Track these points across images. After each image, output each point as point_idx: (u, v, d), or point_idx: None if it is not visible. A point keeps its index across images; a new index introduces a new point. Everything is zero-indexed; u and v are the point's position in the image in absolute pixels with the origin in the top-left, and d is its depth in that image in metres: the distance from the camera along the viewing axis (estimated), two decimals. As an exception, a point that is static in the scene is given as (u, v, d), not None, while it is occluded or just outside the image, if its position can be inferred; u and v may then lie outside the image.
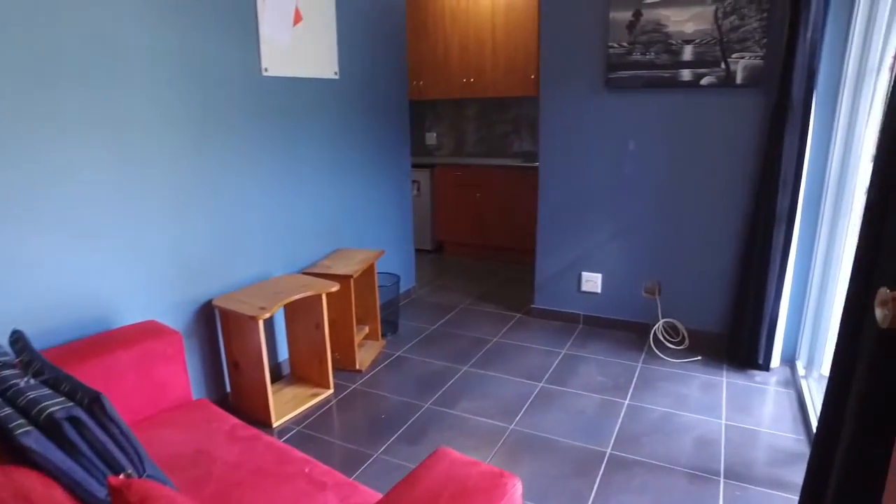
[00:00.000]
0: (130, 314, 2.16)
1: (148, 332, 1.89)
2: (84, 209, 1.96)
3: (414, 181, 5.21)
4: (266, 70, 2.63)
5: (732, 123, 2.85)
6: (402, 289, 4.01)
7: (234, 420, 1.78)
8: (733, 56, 2.75)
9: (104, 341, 1.80)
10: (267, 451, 1.59)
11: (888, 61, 2.21)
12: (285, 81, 2.76)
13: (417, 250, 5.37)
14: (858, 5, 2.38)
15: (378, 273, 3.48)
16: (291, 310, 2.73)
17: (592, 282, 3.38)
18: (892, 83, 1.86)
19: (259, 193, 2.69)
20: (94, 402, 1.02)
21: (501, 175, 4.78)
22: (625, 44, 2.96)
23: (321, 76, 2.98)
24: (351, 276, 2.79)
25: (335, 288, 2.59)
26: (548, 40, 3.20)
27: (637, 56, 2.95)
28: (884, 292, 0.86)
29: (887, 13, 2.22)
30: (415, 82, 5.27)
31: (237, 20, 2.47)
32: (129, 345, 1.79)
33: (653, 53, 2.91)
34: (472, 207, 4.99)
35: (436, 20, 5.06)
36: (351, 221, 3.36)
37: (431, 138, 5.68)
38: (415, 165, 5.12)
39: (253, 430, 1.72)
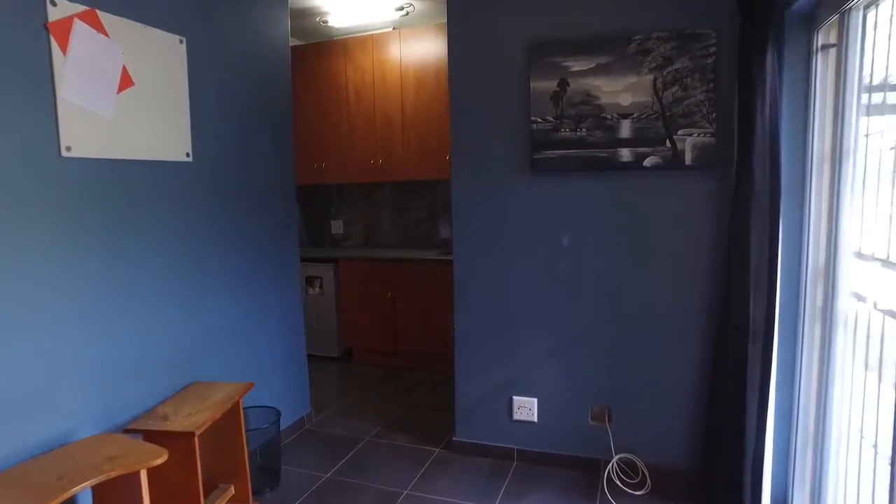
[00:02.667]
0: None
1: None
2: None
3: (315, 278, 4.46)
4: (69, 149, 1.88)
5: (686, 212, 2.34)
6: (293, 418, 3.16)
7: None
8: (679, 132, 2.27)
9: None
10: None
11: (873, 138, 1.75)
12: (103, 165, 2.01)
13: (322, 358, 4.54)
14: (816, 73, 1.97)
15: (252, 409, 2.64)
16: (100, 494, 1.85)
17: (527, 408, 2.69)
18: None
19: (64, 318, 1.87)
20: None
21: (417, 270, 4.13)
22: (550, 118, 2.45)
23: (164, 158, 2.26)
24: (193, 434, 1.95)
25: (160, 460, 1.75)
26: (459, 113, 2.65)
27: (566, 133, 2.43)
28: None
29: (857, 82, 1.79)
30: (316, 165, 4.63)
31: (20, 79, 1.73)
32: None
33: (584, 130, 2.40)
34: (383, 307, 4.27)
35: (338, 97, 4.52)
36: (214, 344, 2.54)
37: (338, 227, 5.00)
38: (317, 259, 4.39)
39: None
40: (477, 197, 2.66)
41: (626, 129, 2.34)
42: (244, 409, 2.58)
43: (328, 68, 4.53)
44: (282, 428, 3.04)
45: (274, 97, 2.95)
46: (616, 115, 2.35)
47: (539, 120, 2.46)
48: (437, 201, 4.62)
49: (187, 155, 2.37)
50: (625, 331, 2.49)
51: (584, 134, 2.40)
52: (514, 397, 2.71)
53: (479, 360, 2.76)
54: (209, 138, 2.49)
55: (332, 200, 4.99)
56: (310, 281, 4.48)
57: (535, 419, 2.68)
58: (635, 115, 2.32)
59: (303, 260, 4.51)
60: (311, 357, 4.54)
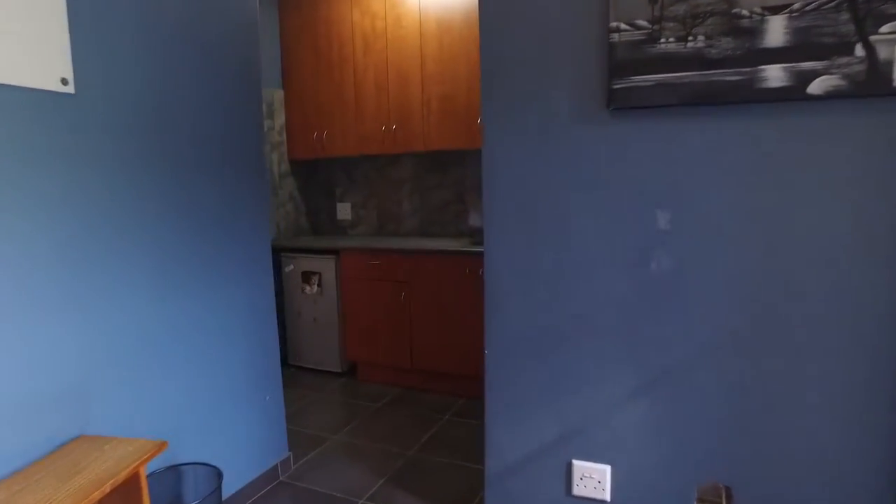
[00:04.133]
0: None
1: None
2: None
3: (313, 273, 3.60)
4: None
5: (888, 175, 1.36)
6: (261, 468, 2.30)
7: None
8: (883, 30, 1.30)
9: None
10: None
11: None
12: None
13: (321, 374, 3.68)
14: None
15: (188, 466, 1.79)
16: None
17: (594, 480, 1.76)
18: None
19: None
20: None
21: (439, 264, 3.22)
22: (643, 22, 1.50)
23: (13, 82, 1.40)
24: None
25: None
26: (492, 30, 1.72)
27: (669, 44, 1.48)
28: None
29: None
30: (315, 135, 3.76)
31: None
32: None
33: (701, 38, 1.45)
34: (396, 313, 3.38)
35: (342, 49, 3.63)
36: (127, 368, 1.69)
37: (345, 211, 4.12)
38: (314, 250, 3.53)
39: None
40: (518, 158, 1.74)
41: (776, 33, 1.38)
42: (176, 467, 1.74)
43: (329, 13, 3.65)
44: (243, 484, 2.19)
45: (234, 35, 2.07)
46: (759, 10, 1.39)
47: (624, 27, 1.52)
48: (466, 178, 3.69)
49: (64, 83, 1.50)
50: (758, 365, 1.53)
51: (700, 45, 1.45)
52: (575, 462, 1.78)
53: (520, 400, 1.84)
54: (110, 64, 1.62)
55: (338, 179, 4.12)
56: (306, 277, 3.63)
57: (608, 497, 1.75)
58: (796, 4, 1.36)
59: (297, 251, 3.67)
60: (308, 372, 3.74)
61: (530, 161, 1.71)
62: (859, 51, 1.32)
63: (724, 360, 1.56)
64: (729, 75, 1.43)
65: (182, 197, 1.86)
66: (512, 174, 1.75)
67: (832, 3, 1.33)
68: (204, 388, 1.99)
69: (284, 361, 3.84)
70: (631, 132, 1.58)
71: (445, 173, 3.75)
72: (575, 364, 1.73)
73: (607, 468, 1.74)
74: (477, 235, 3.66)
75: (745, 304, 1.51)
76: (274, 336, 2.36)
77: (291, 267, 3.66)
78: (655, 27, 1.49)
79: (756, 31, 1.40)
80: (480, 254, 3.07)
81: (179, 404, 1.89)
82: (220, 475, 1.79)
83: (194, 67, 1.90)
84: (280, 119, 3.82)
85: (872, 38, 1.30)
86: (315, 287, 3.60)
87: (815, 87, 1.36)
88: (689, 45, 1.46)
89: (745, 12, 1.40)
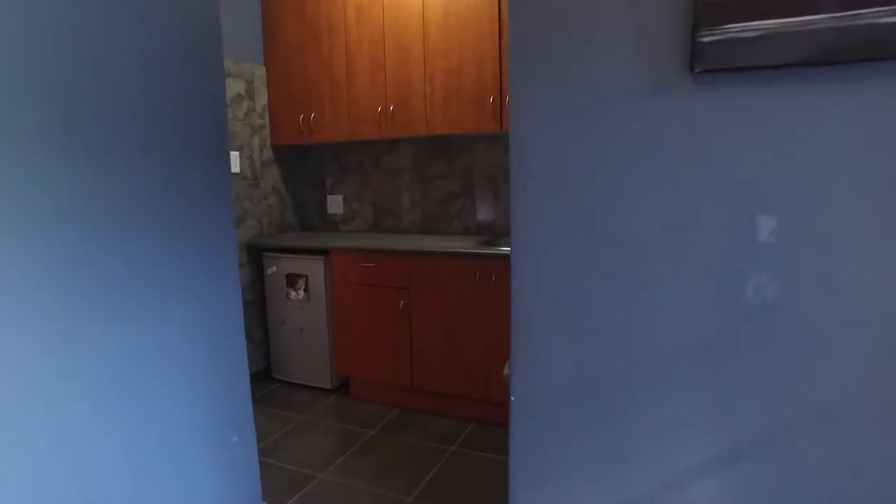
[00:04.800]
0: None
1: None
2: None
3: (298, 276, 3.14)
4: None
5: None
6: (227, 528, 1.86)
7: None
8: None
9: None
10: None
11: None
12: None
13: (308, 390, 3.24)
14: None
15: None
16: None
17: (658, 576, 1.31)
18: None
19: None
20: None
21: (444, 267, 2.77)
22: (748, -56, 1.03)
23: None
24: None
25: None
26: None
27: (788, -24, 1.01)
28: None
29: None
30: (302, 117, 3.29)
31: None
32: None
33: (839, -36, 0.98)
34: (395, 323, 2.93)
35: (332, 21, 3.14)
36: (19, 433, 1.23)
37: (336, 204, 3.66)
38: (300, 250, 3.08)
39: None
40: (558, 146, 1.27)
41: (961, -48, 0.91)
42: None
43: (318, -24, 3.17)
44: (199, 555, 1.74)
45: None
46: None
47: (716, -48, 1.05)
48: (475, 166, 3.23)
49: None
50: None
51: (835, -25, 0.98)
52: (631, 551, 1.33)
53: (556, 467, 1.39)
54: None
55: (328, 168, 3.65)
56: (292, 281, 3.17)
57: None
58: None
59: (281, 251, 3.21)
60: (293, 388, 3.28)
61: (576, 150, 1.25)
62: None
63: (850, 431, 1.11)
64: (885, 16, 0.96)
65: (101, 192, 1.39)
66: (550, 168, 1.28)
67: None
68: (149, 440, 1.54)
69: (267, 375, 3.40)
70: (723, 107, 1.11)
71: (451, 161, 3.28)
72: (633, 424, 1.28)
73: (676, 563, 1.29)
74: (486, 232, 3.21)
75: (887, 353, 1.06)
76: (242, 364, 1.90)
77: (274, 269, 3.21)
78: (766, -49, 1.02)
79: (928, -49, 0.93)
80: (494, 256, 2.62)
81: (110, 466, 1.44)
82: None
83: (121, 22, 1.43)
84: (261, 99, 3.34)
85: None
86: (301, 292, 3.15)
87: None
88: (819, -25, 0.99)
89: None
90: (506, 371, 2.35)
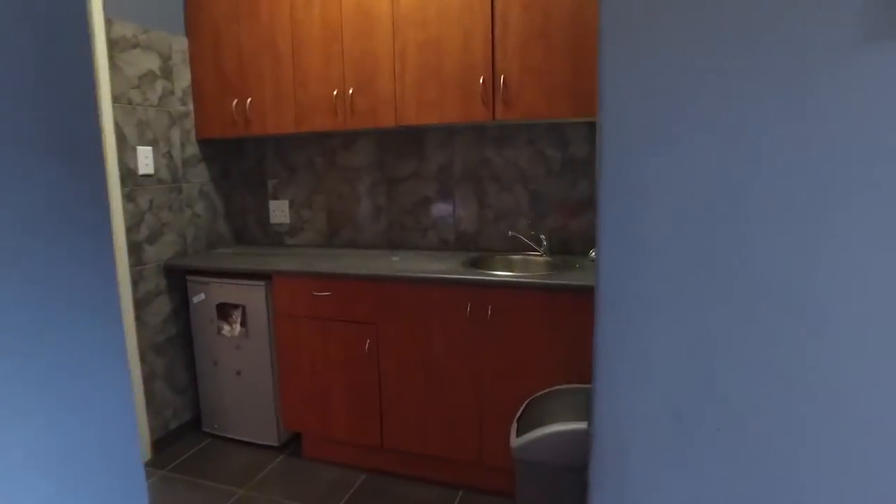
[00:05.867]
0: None
1: None
2: None
3: (233, 307, 2.46)
4: None
5: None
6: None
7: None
8: None
9: None
10: None
11: None
12: None
13: (248, 448, 2.56)
14: None
15: None
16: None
17: None
18: None
19: None
20: None
21: (422, 298, 2.14)
22: None
23: None
24: None
25: None
26: None
27: None
28: None
29: None
30: (235, 103, 2.60)
31: None
32: None
33: None
34: (360, 367, 2.29)
35: (273, -24, 2.47)
36: None
37: (281, 212, 2.98)
38: (232, 273, 2.40)
39: None
40: (699, 135, 0.67)
41: None
42: None
43: (254, -78, 2.48)
44: None
45: None
46: None
47: None
48: (456, 164, 2.62)
49: None
50: None
51: None
52: None
53: None
54: None
55: (270, 167, 2.96)
56: (225, 312, 2.49)
57: None
58: None
59: (210, 274, 2.53)
60: (232, 446, 2.48)
61: (733, 151, 0.66)
62: None
63: None
64: None
65: None
66: (679, 179, 0.69)
67: None
68: None
69: (196, 428, 2.70)
70: None
71: (425, 158, 2.66)
72: None
73: None
74: (471, 246, 2.61)
75: None
76: (138, 474, 1.23)
77: (202, 297, 2.52)
78: None
79: None
80: (491, 284, 2.02)
81: None
82: None
83: None
84: (183, 79, 2.63)
85: None
86: (237, 326, 2.47)
87: None
88: None
89: None
90: (516, 441, 1.74)
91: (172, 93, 2.55)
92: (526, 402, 1.97)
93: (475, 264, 2.32)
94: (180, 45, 2.60)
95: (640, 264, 0.72)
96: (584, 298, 1.92)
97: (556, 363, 1.99)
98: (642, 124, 0.69)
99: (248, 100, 2.56)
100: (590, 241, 2.43)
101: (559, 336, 1.97)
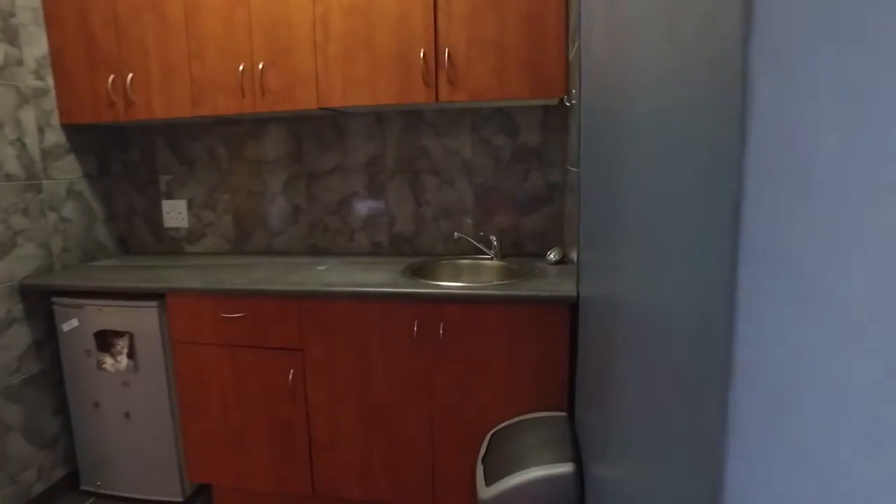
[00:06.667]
0: None
1: None
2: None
3: (117, 335, 1.97)
4: None
5: None
6: None
7: None
8: None
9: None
10: None
11: None
12: None
13: (143, 507, 2.08)
14: None
15: None
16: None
17: None
18: None
19: None
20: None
21: (356, 316, 1.77)
22: None
23: None
24: None
25: None
26: None
27: None
28: None
29: None
30: (112, 80, 2.08)
31: None
32: None
33: None
34: (283, 402, 1.88)
35: (156, -79, 1.98)
36: None
37: (177, 214, 2.48)
38: (124, 294, 1.92)
39: None
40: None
41: None
42: None
43: None
44: None
45: None
46: None
47: None
48: (388, 155, 2.25)
49: None
50: None
51: None
52: None
53: None
54: None
55: (162, 160, 2.46)
56: (106, 342, 1.99)
57: None
58: None
59: (82, 294, 1.99)
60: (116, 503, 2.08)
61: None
62: None
63: None
64: None
65: None
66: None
67: None
68: None
69: (74, 486, 2.17)
70: None
71: (350, 148, 2.27)
72: None
73: None
74: (407, 250, 2.26)
75: None
76: None
77: (74, 323, 2.00)
78: None
79: None
80: (439, 298, 1.68)
81: None
82: None
83: None
84: (36, 46, 2.08)
85: None
86: (123, 359, 1.98)
87: None
88: None
89: None
90: (485, 490, 1.43)
91: (21, 63, 2.00)
92: (489, 436, 1.66)
93: (418, 273, 1.98)
94: (32, 1, 2.04)
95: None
96: (550, 310, 1.63)
97: (520, 388, 1.70)
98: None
99: (129, 75, 2.06)
100: (545, 241, 2.15)
101: (523, 355, 1.67)
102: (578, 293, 1.58)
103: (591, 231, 1.29)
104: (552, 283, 1.71)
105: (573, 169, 1.61)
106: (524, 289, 1.65)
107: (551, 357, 1.66)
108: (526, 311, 1.65)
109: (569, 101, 1.70)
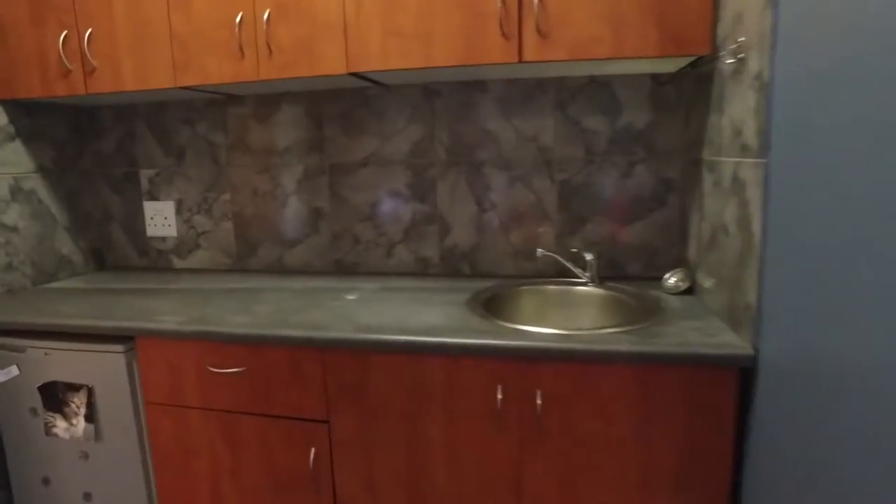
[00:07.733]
0: None
1: None
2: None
3: (73, 389, 1.42)
4: None
5: None
6: None
7: None
8: None
9: None
10: None
11: None
12: None
13: None
14: None
15: None
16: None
17: None
18: None
19: None
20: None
21: (412, 375, 1.21)
22: None
23: None
24: None
25: None
26: None
27: None
28: None
29: None
30: (64, 35, 1.53)
31: None
32: None
33: None
34: (299, 490, 1.33)
35: None
36: None
37: (163, 221, 1.94)
38: (82, 335, 1.35)
39: None
40: None
41: None
42: None
43: None
44: None
45: None
46: None
47: None
48: (437, 138, 1.69)
49: None
50: None
51: None
52: None
53: None
54: None
55: (142, 148, 1.91)
56: (54, 398, 1.44)
57: None
58: None
59: (26, 334, 1.46)
60: None
61: None
62: None
63: None
64: None
65: None
66: None
67: None
68: None
69: (22, 584, 1.63)
70: None
71: (388, 132, 1.71)
72: None
73: None
74: (464, 270, 1.69)
75: None
76: None
77: (15, 372, 1.46)
78: None
79: None
80: (530, 354, 1.11)
81: None
82: None
83: None
84: (-26, 1, 1.54)
85: None
86: (80, 421, 1.44)
87: None
88: None
89: None
90: None
91: (-56, 17, 1.46)
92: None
93: (491, 308, 1.41)
94: (-40, -64, 1.50)
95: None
96: (708, 374, 1.06)
97: (656, 488, 1.12)
98: None
99: (88, 31, 1.51)
100: (656, 258, 1.58)
101: (660, 440, 1.10)
102: (756, 350, 1.01)
103: (813, 255, 0.72)
104: (699, 331, 1.13)
105: (751, 160, 1.03)
106: (664, 339, 1.08)
107: (706, 445, 1.09)
108: (669, 374, 1.07)
109: (730, 56, 1.12)
